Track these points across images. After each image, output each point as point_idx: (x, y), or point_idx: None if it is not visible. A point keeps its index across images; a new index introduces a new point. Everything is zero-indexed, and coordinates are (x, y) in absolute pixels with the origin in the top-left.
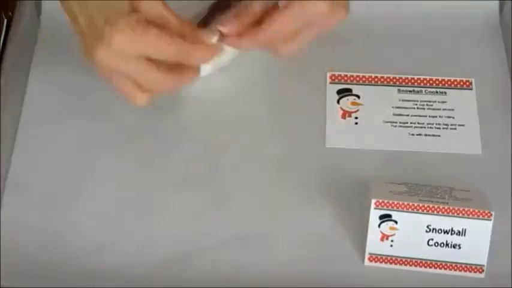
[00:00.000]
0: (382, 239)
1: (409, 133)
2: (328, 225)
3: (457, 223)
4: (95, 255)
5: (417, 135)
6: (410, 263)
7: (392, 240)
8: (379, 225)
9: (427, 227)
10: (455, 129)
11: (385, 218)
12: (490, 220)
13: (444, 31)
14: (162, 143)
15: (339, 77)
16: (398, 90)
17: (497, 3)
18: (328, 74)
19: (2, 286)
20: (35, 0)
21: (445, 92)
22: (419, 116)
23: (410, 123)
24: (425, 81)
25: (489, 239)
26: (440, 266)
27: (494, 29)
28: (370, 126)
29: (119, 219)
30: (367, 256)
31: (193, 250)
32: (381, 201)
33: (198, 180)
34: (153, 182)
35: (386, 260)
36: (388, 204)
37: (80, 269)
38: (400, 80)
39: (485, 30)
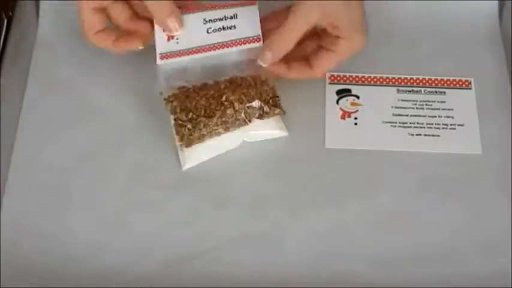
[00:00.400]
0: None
1: (408, 133)
2: (328, 226)
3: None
4: (95, 256)
5: (417, 135)
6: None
7: (177, 38)
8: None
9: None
10: (454, 129)
11: None
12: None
13: (443, 31)
14: (160, 144)
15: (338, 77)
16: (398, 90)
17: (496, 3)
18: (328, 74)
19: (2, 286)
20: (35, 0)
21: (444, 92)
22: (419, 116)
23: (410, 123)
24: (424, 81)
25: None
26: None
27: (493, 28)
28: (370, 127)
29: (118, 220)
30: None
31: (193, 251)
32: None
33: (197, 180)
34: (152, 183)
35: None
36: None
37: (80, 270)
38: (400, 80)
39: (484, 30)
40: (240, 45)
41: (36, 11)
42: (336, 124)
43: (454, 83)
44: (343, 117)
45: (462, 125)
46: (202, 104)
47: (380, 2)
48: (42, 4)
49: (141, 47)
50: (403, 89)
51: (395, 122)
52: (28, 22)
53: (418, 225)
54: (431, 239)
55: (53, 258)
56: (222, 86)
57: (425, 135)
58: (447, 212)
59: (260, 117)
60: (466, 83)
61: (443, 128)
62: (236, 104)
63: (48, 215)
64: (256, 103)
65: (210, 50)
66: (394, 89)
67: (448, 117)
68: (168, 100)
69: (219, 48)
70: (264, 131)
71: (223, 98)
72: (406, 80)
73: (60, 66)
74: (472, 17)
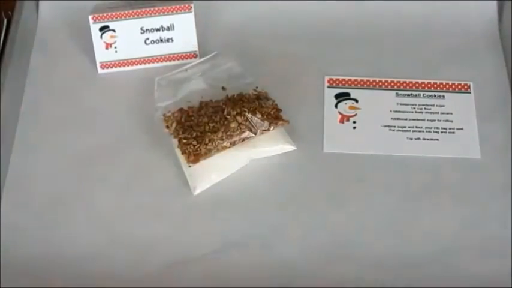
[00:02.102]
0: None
1: (407, 137)
2: (327, 229)
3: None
4: (94, 259)
5: (415, 139)
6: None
7: (115, 47)
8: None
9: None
10: (453, 133)
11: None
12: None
13: (443, 35)
14: (159, 148)
15: (337, 81)
16: (397, 94)
17: (495, 6)
18: (326, 78)
19: (2, 286)
20: (35, 0)
21: (444, 96)
22: (418, 120)
23: (409, 127)
24: (423, 85)
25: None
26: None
27: (493, 32)
28: (369, 131)
29: (118, 223)
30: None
31: (192, 254)
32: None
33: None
34: (151, 187)
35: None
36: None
37: (79, 272)
38: (398, 84)
39: (483, 34)
40: (178, 60)
41: (36, 11)
42: (335, 128)
43: (454, 87)
44: (341, 121)
45: (461, 129)
46: (204, 121)
47: (379, 5)
48: (42, 4)
49: None
50: (402, 92)
51: (394, 126)
52: (28, 22)
53: (418, 228)
54: (431, 242)
55: (52, 259)
56: (221, 103)
57: (424, 139)
58: (446, 215)
59: (265, 131)
60: (465, 87)
61: (442, 132)
62: (239, 118)
63: (47, 217)
64: (258, 116)
65: (149, 63)
66: (393, 92)
67: (447, 121)
68: (168, 122)
69: (157, 62)
70: (272, 147)
71: (225, 112)
72: (405, 84)
73: (60, 67)
74: (471, 21)
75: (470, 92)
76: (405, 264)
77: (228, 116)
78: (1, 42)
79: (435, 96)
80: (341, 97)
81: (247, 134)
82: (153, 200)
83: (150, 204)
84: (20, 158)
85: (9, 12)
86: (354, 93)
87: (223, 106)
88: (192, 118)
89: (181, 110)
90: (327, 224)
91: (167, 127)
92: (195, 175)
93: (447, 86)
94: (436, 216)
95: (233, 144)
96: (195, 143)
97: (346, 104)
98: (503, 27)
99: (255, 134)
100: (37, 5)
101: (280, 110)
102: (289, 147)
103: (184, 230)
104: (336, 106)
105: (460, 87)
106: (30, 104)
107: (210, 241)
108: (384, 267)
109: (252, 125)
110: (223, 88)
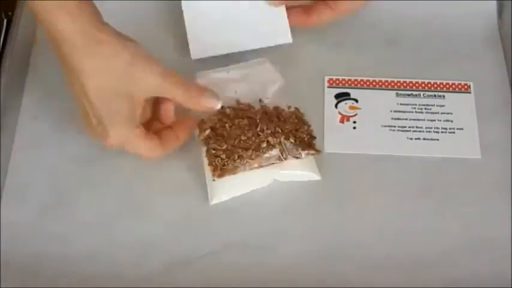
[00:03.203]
0: None
1: (407, 137)
2: (327, 230)
3: None
4: (94, 259)
5: (416, 139)
6: None
7: None
8: None
9: None
10: (453, 133)
11: None
12: None
13: (443, 34)
14: None
15: (337, 81)
16: (397, 94)
17: (495, 6)
18: (326, 78)
19: (2, 287)
20: (35, 0)
21: (444, 96)
22: (418, 120)
23: (409, 127)
24: (423, 85)
25: None
26: None
27: (493, 32)
28: (369, 131)
29: (117, 223)
30: None
31: (192, 255)
32: None
33: (195, 185)
34: (151, 187)
35: None
36: None
37: (79, 273)
38: (399, 84)
39: (483, 33)
40: None
41: None
42: (335, 128)
43: (454, 86)
44: (341, 121)
45: (461, 129)
46: (237, 133)
47: (379, 5)
48: None
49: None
50: (402, 92)
51: (394, 126)
52: (28, 22)
53: (418, 228)
54: (431, 242)
55: (52, 259)
56: (257, 117)
57: (425, 139)
58: (447, 216)
59: (296, 157)
60: (466, 87)
61: (442, 132)
62: (271, 139)
63: (47, 217)
64: (291, 140)
65: None
66: (393, 92)
67: (447, 121)
68: (202, 127)
69: None
70: (298, 171)
71: (258, 128)
72: (405, 84)
73: (60, 67)
74: (471, 21)
75: (470, 92)
76: (405, 264)
77: (261, 134)
78: (1, 42)
79: (435, 96)
80: (341, 97)
81: (277, 157)
82: (154, 200)
83: (151, 204)
84: (20, 158)
85: (9, 12)
86: (354, 93)
87: (258, 121)
88: (226, 126)
89: (218, 114)
90: (327, 223)
91: (200, 132)
92: (216, 187)
93: (447, 86)
94: (436, 216)
95: (261, 165)
96: (224, 156)
97: (346, 104)
98: (503, 27)
99: (285, 159)
100: None
101: (315, 138)
102: (315, 177)
103: (185, 230)
104: (336, 106)
105: (460, 87)
106: (30, 104)
107: (210, 241)
108: (383, 267)
109: (283, 149)
110: (260, 100)
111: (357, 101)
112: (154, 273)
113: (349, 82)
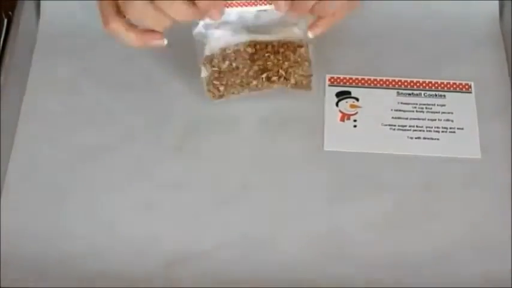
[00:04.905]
0: None
1: (408, 136)
2: (327, 228)
3: None
4: (95, 256)
5: (416, 138)
6: None
7: None
8: None
9: None
10: (454, 132)
11: None
12: None
13: (444, 34)
14: (161, 144)
15: (338, 80)
16: (398, 93)
17: (497, 5)
18: (327, 77)
19: (2, 286)
20: (35, 0)
21: (444, 95)
22: (418, 119)
23: (409, 126)
24: (424, 84)
25: None
26: None
27: (494, 31)
28: (369, 130)
29: (118, 220)
30: None
31: (193, 251)
32: None
33: (195, 182)
34: (152, 183)
35: None
36: None
37: (80, 270)
38: (399, 83)
39: (485, 33)
40: None
41: (36, 11)
42: (335, 126)
43: (454, 86)
44: (342, 120)
45: (462, 129)
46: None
47: (379, 3)
48: (42, 4)
49: (165, 42)
50: (403, 92)
51: (395, 125)
52: (28, 22)
53: (418, 228)
54: (431, 241)
55: (52, 258)
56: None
57: (425, 138)
58: (447, 215)
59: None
60: (466, 87)
61: (442, 132)
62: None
63: (48, 215)
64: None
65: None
66: (394, 91)
67: (448, 120)
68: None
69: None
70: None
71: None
72: (406, 83)
73: (60, 66)
74: (472, 20)
75: (471, 92)
76: (405, 264)
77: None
78: (1, 42)
79: (436, 95)
80: (342, 95)
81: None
82: (154, 198)
83: (151, 201)
84: (21, 158)
85: (10, 12)
86: (355, 92)
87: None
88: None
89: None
90: (327, 222)
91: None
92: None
93: (448, 86)
94: (436, 216)
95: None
96: (222, 88)
97: (347, 102)
98: (504, 26)
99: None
100: (38, 5)
101: (311, 75)
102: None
103: (184, 229)
104: (336, 104)
105: (461, 86)
106: (31, 104)
107: (210, 240)
108: (383, 267)
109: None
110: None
111: (357, 99)
112: (154, 272)
113: (350, 81)
